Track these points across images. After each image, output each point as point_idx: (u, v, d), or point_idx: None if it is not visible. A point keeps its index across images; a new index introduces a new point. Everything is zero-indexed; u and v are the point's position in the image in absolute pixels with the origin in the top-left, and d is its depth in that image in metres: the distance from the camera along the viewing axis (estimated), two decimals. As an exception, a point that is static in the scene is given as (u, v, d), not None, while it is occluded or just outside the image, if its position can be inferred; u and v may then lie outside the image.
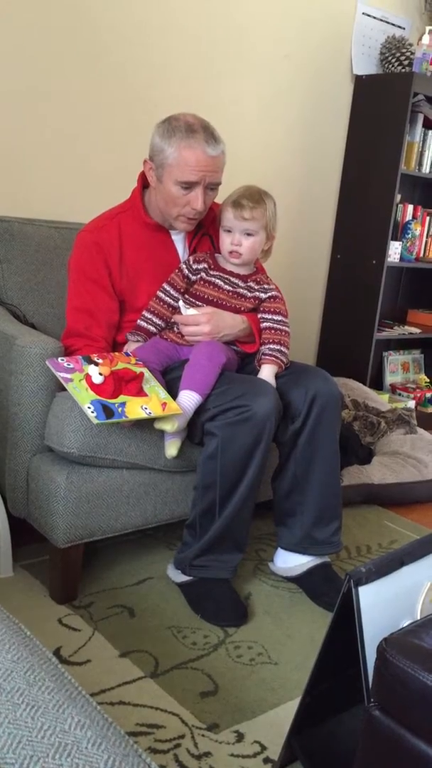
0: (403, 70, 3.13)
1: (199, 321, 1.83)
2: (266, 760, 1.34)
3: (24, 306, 2.09)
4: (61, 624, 1.69)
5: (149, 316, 1.90)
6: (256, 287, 1.90)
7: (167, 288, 1.90)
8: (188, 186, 1.81)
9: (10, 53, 2.23)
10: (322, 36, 3.07)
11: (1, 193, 2.31)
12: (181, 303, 1.87)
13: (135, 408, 1.61)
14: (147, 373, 1.71)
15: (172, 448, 1.73)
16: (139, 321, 1.91)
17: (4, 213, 2.25)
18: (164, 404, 1.65)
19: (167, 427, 1.66)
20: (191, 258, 1.92)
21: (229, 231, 1.84)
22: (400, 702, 0.96)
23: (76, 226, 2.15)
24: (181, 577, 1.83)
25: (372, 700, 1.01)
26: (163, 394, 1.68)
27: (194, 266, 1.90)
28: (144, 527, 1.86)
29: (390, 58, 3.16)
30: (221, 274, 1.89)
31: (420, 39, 3.17)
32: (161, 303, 1.90)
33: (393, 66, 3.15)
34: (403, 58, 3.12)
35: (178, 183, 1.81)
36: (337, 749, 1.31)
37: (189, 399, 1.70)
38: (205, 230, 2.00)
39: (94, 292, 1.89)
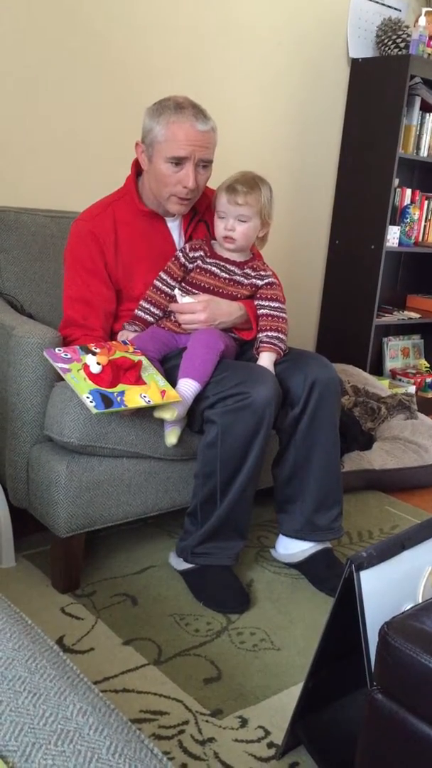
0: (400, 52, 3.10)
1: (194, 309, 1.82)
2: (270, 745, 1.35)
3: (21, 296, 2.08)
4: (64, 613, 1.69)
5: (146, 305, 1.89)
6: (252, 274, 1.89)
7: (164, 276, 1.89)
8: (178, 162, 1.79)
9: (6, 43, 2.21)
10: (318, 19, 3.04)
11: (-4, 183, 2.30)
12: (177, 291, 1.86)
13: (134, 396, 1.61)
14: (145, 361, 1.71)
15: (171, 437, 1.73)
16: (136, 311, 1.90)
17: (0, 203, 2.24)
18: (163, 392, 1.64)
19: (167, 415, 1.65)
20: (187, 245, 1.90)
21: (223, 216, 1.83)
22: (402, 685, 0.96)
23: (72, 215, 2.14)
24: (183, 565, 1.83)
25: (374, 683, 1.01)
26: (161, 381, 1.68)
27: (191, 254, 1.89)
28: (145, 516, 1.86)
29: (386, 40, 3.13)
30: (217, 261, 1.88)
31: (416, 21, 3.14)
32: (158, 292, 1.89)
33: (389, 49, 3.12)
34: (399, 40, 3.09)
35: (168, 160, 1.79)
36: (341, 733, 1.31)
37: (188, 387, 1.70)
38: (201, 216, 1.99)
39: (90, 282, 1.88)
